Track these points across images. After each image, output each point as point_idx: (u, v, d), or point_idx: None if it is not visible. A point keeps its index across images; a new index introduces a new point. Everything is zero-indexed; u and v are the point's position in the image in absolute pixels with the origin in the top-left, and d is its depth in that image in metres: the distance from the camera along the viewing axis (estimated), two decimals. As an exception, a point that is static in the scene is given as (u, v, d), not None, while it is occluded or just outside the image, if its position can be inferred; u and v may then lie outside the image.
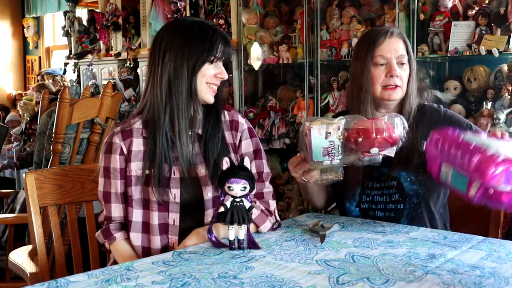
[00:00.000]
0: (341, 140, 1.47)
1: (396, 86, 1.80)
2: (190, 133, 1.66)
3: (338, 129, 1.47)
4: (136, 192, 1.63)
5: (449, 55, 2.79)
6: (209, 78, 1.64)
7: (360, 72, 1.83)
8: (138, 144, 1.65)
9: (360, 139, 1.46)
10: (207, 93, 1.65)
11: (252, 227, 1.62)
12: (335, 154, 1.49)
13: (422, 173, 1.78)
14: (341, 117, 1.54)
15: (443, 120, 1.84)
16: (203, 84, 1.64)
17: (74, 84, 5.28)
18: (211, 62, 1.63)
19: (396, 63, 1.80)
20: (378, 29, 1.90)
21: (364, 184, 1.84)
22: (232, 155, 1.69)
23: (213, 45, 1.62)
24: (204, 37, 1.61)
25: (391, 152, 1.52)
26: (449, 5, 2.79)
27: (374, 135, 1.46)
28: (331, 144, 1.47)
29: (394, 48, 1.80)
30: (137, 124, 1.67)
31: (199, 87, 1.63)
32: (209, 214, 1.63)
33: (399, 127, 1.49)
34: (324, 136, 1.47)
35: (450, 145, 1.31)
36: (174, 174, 1.63)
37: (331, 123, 1.48)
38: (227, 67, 1.70)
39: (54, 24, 6.27)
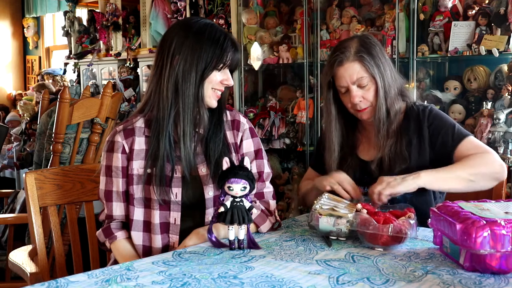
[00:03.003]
0: (349, 229, 1.54)
1: (364, 108, 1.80)
2: (192, 133, 1.66)
3: (347, 222, 1.54)
4: (137, 190, 1.63)
5: (449, 55, 2.78)
6: (215, 84, 1.64)
7: (324, 101, 1.90)
8: (140, 143, 1.65)
9: (367, 237, 1.51)
10: (211, 98, 1.65)
11: (252, 227, 1.62)
12: (342, 235, 1.57)
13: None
14: (350, 212, 1.55)
15: (427, 124, 1.81)
16: (209, 90, 1.64)
17: (74, 84, 5.28)
18: (219, 69, 1.63)
19: (357, 86, 1.78)
20: (332, 55, 1.82)
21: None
22: (233, 154, 1.70)
23: (223, 53, 1.61)
24: (215, 43, 1.61)
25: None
26: (449, 5, 2.79)
27: (380, 239, 1.48)
28: (339, 230, 1.55)
29: (349, 75, 1.77)
30: (139, 123, 1.67)
31: (205, 93, 1.63)
32: (210, 213, 1.63)
33: (409, 230, 1.48)
34: (332, 224, 1.56)
35: (445, 216, 1.37)
36: (176, 174, 1.63)
37: (340, 216, 1.55)
38: (233, 72, 1.70)
39: (54, 24, 6.26)
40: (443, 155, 1.79)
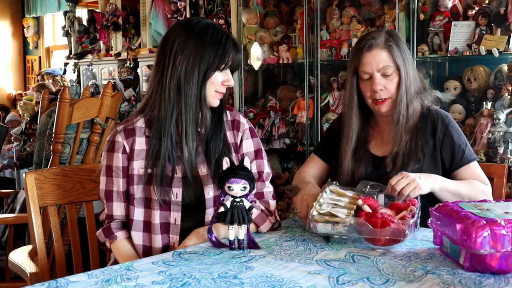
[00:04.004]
0: (348, 231, 1.53)
1: (383, 99, 1.81)
2: (194, 133, 1.67)
3: (344, 226, 1.52)
4: (138, 190, 1.63)
5: (449, 55, 2.79)
6: (216, 85, 1.64)
7: (346, 88, 1.89)
8: (140, 143, 1.65)
9: (365, 239, 1.51)
10: (214, 98, 1.66)
11: (252, 227, 1.62)
12: (342, 236, 1.55)
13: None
14: (349, 215, 1.54)
15: (442, 131, 1.83)
16: (211, 90, 1.64)
17: (74, 84, 5.28)
18: (221, 70, 1.63)
19: (381, 75, 1.79)
20: (362, 41, 1.85)
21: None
22: (233, 155, 1.70)
23: (225, 53, 1.62)
24: (217, 44, 1.61)
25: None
26: (449, 5, 2.79)
27: (379, 242, 1.48)
28: (338, 233, 1.54)
29: (375, 62, 1.78)
30: (140, 123, 1.67)
31: (207, 93, 1.64)
32: (210, 213, 1.63)
33: (408, 230, 1.47)
34: (330, 228, 1.54)
35: (445, 216, 1.37)
36: (176, 174, 1.63)
37: (337, 222, 1.53)
38: (233, 72, 1.70)
39: (54, 24, 6.26)
40: (443, 166, 1.84)
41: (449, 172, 1.84)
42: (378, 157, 1.88)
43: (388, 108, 1.82)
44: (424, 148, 1.81)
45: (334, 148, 1.95)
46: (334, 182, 1.77)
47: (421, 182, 1.65)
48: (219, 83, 1.64)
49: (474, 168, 1.85)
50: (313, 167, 2.01)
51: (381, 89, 1.79)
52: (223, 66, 1.63)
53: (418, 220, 1.55)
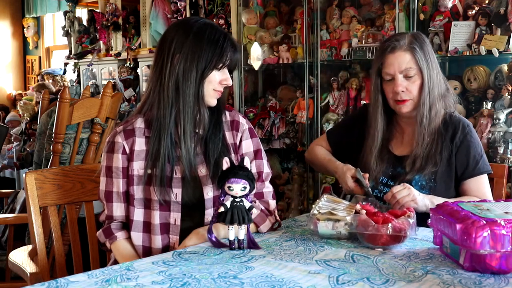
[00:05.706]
0: (348, 231, 1.55)
1: (404, 100, 1.82)
2: (192, 133, 1.67)
3: (345, 224, 1.55)
4: (138, 191, 1.63)
5: (449, 55, 2.79)
6: (214, 84, 1.64)
7: (371, 89, 1.92)
8: (140, 144, 1.65)
9: (366, 238, 1.51)
10: (212, 97, 1.66)
11: (252, 227, 1.62)
12: (343, 237, 1.57)
13: (434, 180, 1.82)
14: (348, 214, 1.56)
15: (460, 137, 1.84)
16: (209, 89, 1.64)
17: (74, 84, 5.28)
18: (219, 69, 1.63)
19: (403, 76, 1.81)
20: (386, 43, 1.87)
21: (379, 179, 1.88)
22: (233, 155, 1.70)
23: (223, 52, 1.62)
24: (215, 43, 1.61)
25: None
26: (449, 5, 2.79)
27: (380, 239, 1.48)
28: (338, 232, 1.56)
29: (397, 63, 1.80)
30: (139, 123, 1.67)
31: (205, 92, 1.64)
32: (209, 214, 1.63)
33: (409, 229, 1.48)
34: (331, 227, 1.57)
35: (445, 216, 1.37)
36: (176, 174, 1.63)
37: (338, 219, 1.56)
38: (231, 72, 1.70)
39: (54, 24, 6.26)
40: (455, 173, 1.85)
41: (459, 180, 1.86)
42: (397, 156, 1.90)
43: (409, 109, 1.84)
44: (443, 152, 1.83)
45: (347, 142, 2.00)
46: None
47: (419, 198, 1.70)
48: (217, 82, 1.64)
49: (482, 182, 1.86)
50: (323, 147, 2.09)
51: (402, 91, 1.81)
52: (220, 65, 1.63)
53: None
